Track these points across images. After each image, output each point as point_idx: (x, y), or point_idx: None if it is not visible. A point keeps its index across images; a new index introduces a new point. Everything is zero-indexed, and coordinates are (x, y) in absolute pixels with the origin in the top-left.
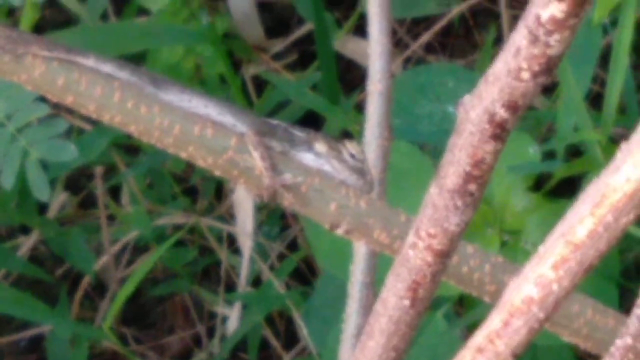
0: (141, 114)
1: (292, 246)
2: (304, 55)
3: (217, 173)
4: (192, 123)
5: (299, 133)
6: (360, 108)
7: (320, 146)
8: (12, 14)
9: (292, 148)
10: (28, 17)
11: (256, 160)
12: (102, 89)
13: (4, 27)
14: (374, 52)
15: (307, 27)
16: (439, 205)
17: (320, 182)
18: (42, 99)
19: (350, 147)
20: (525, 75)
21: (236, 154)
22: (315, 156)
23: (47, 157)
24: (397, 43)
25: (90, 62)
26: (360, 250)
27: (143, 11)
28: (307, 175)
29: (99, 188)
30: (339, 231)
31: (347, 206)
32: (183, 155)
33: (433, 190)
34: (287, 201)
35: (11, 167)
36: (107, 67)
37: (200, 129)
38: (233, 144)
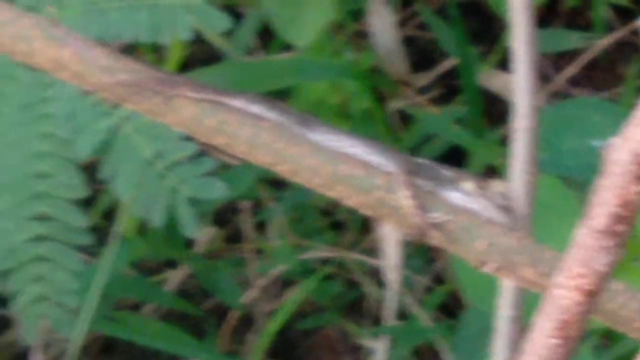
0: (290, 155)
1: (439, 279)
2: (448, 88)
3: (366, 212)
4: (341, 163)
5: (446, 172)
6: (504, 142)
7: (467, 184)
8: (158, 50)
9: (440, 187)
10: (175, 54)
11: (404, 199)
12: (251, 129)
13: (154, 69)
14: (520, 88)
15: (451, 61)
16: (587, 245)
17: (468, 220)
18: (190, 138)
19: (496, 185)
20: None
21: (384, 193)
22: (462, 194)
23: (196, 195)
24: (541, 76)
25: (239, 103)
26: (506, 285)
27: (288, 46)
28: (455, 214)
29: (246, 223)
30: (486, 269)
31: (495, 244)
32: (332, 194)
33: (581, 231)
34: (435, 239)
35: (160, 205)
36: (256, 108)
37: (349, 169)
38: (381, 183)
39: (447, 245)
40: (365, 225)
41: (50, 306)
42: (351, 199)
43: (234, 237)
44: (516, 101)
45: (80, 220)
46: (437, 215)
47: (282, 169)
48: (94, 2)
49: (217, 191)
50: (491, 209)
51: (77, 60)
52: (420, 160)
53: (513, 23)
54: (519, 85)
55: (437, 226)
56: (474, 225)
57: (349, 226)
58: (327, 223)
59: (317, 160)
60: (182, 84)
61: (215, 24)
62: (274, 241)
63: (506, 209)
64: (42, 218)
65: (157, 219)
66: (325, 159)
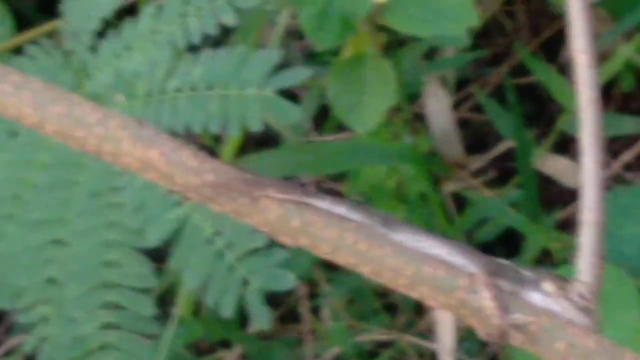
0: (374, 255)
1: None
2: (503, 171)
3: (447, 312)
4: (424, 264)
5: (527, 273)
6: (560, 226)
7: (549, 286)
8: (217, 139)
9: (521, 288)
10: (233, 139)
11: (486, 300)
12: (336, 230)
13: (241, 171)
14: (588, 181)
15: (506, 143)
16: None
17: (549, 321)
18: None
19: (577, 285)
20: None
21: (467, 293)
22: (543, 296)
23: (266, 286)
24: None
25: (324, 204)
26: None
27: (342, 127)
28: (536, 315)
29: (303, 306)
30: None
31: (574, 345)
32: (414, 295)
33: None
34: (517, 341)
35: (231, 295)
36: (341, 209)
37: (432, 270)
38: (464, 284)
39: (528, 346)
40: (419, 308)
41: None
42: (434, 300)
43: (288, 318)
44: (584, 195)
45: (149, 309)
46: (518, 317)
47: (366, 270)
48: (164, 91)
49: (288, 283)
50: (572, 310)
51: (165, 161)
52: (502, 261)
53: (580, 116)
54: (587, 180)
55: (518, 327)
56: (554, 327)
57: (403, 308)
58: (382, 304)
59: (400, 262)
60: (268, 185)
61: (286, 116)
62: (329, 323)
63: (586, 310)
64: (111, 307)
65: (227, 310)
66: (409, 259)
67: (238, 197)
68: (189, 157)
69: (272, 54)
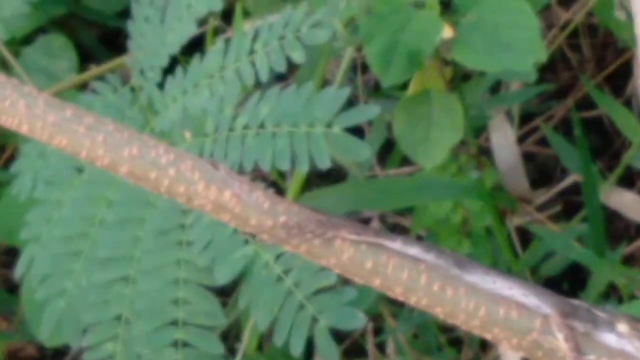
0: (447, 297)
1: None
2: (569, 205)
3: (521, 353)
4: (497, 305)
5: (601, 313)
6: (626, 261)
7: (623, 326)
8: (282, 173)
9: (595, 329)
10: (299, 175)
11: (560, 342)
12: (408, 272)
13: (315, 212)
14: None
15: (571, 178)
16: None
17: None
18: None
19: None
20: None
21: (540, 335)
22: (617, 337)
23: (335, 325)
24: None
25: (397, 245)
26: None
27: (406, 160)
28: (610, 356)
29: (368, 341)
30: None
31: None
32: (487, 336)
33: None
34: None
35: (300, 334)
36: (413, 250)
37: (506, 311)
38: (537, 325)
39: None
40: (484, 343)
41: None
42: (508, 341)
43: (354, 352)
44: None
45: (217, 347)
46: (592, 358)
47: (439, 311)
48: (231, 128)
49: (358, 322)
50: None
51: (238, 203)
52: (576, 302)
53: None
54: None
55: None
56: None
57: (468, 343)
58: (447, 339)
59: (474, 303)
60: (341, 226)
61: (354, 153)
62: (394, 358)
63: None
64: (178, 345)
65: (297, 349)
66: (482, 301)
67: (311, 239)
68: (261, 199)
69: (340, 92)
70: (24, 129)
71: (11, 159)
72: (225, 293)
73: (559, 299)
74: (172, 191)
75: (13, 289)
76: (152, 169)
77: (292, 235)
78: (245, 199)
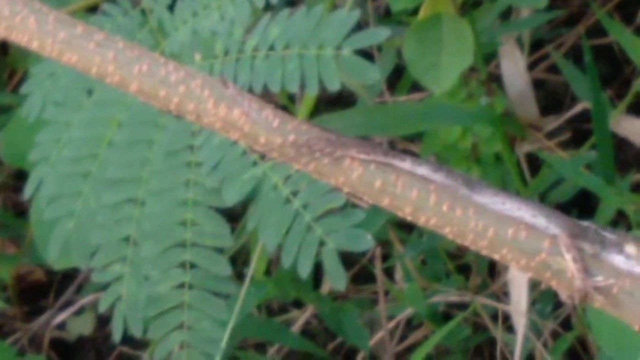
0: (456, 217)
1: (566, 325)
2: (578, 133)
3: (529, 274)
4: (506, 226)
5: (609, 235)
6: (635, 188)
7: (631, 248)
8: (291, 98)
9: (603, 250)
10: (308, 99)
11: (569, 262)
12: (418, 191)
13: (324, 131)
14: None
15: (581, 105)
16: None
17: (631, 284)
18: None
19: None
20: None
21: (549, 256)
22: (626, 258)
23: (343, 247)
24: None
25: (406, 165)
26: None
27: (415, 87)
28: (618, 278)
29: (376, 267)
30: None
31: None
32: (495, 257)
33: None
34: (598, 303)
35: (307, 256)
36: (423, 170)
37: (514, 232)
38: (546, 246)
39: (609, 308)
40: (493, 269)
41: (194, 354)
42: (516, 262)
43: (361, 278)
44: None
45: (225, 268)
46: (600, 279)
47: (447, 231)
48: (241, 50)
49: (366, 244)
50: None
51: (247, 121)
52: (584, 223)
53: None
54: None
55: (600, 290)
56: (637, 289)
57: (476, 270)
58: (455, 266)
59: (483, 223)
60: (351, 145)
61: (364, 76)
62: (402, 284)
63: None
64: (186, 266)
65: (304, 270)
66: (491, 221)
67: (320, 157)
68: (271, 117)
69: (351, 15)
70: (34, 46)
71: (21, 83)
72: (233, 219)
73: (568, 220)
74: (182, 109)
75: (22, 213)
76: (161, 87)
77: (301, 154)
78: (254, 116)
